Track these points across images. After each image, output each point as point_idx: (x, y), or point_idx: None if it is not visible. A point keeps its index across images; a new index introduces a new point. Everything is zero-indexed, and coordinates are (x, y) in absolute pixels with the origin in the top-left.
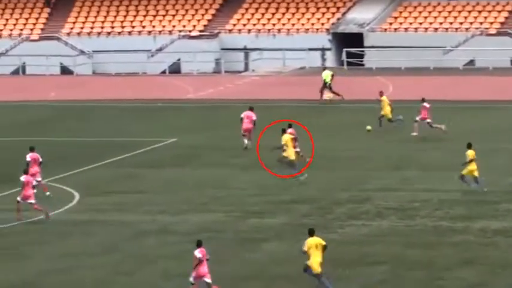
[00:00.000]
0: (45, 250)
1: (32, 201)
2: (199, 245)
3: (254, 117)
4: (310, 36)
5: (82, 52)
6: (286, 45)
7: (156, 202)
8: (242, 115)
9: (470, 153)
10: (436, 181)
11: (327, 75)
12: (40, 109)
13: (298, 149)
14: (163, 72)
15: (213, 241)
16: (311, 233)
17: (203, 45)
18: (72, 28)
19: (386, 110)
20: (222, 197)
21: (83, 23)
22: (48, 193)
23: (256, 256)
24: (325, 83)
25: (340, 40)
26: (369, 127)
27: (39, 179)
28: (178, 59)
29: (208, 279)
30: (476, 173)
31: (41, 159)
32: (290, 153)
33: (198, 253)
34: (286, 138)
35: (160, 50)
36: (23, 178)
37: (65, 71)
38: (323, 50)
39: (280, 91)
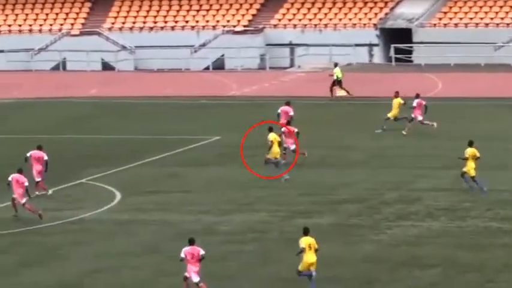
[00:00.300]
0: (86, 250)
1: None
2: (191, 243)
3: (291, 113)
4: (357, 32)
5: (123, 48)
6: (333, 41)
7: (199, 202)
8: (279, 110)
9: (469, 151)
10: (487, 181)
11: (338, 71)
12: (80, 106)
13: (293, 147)
14: (207, 68)
15: (258, 242)
16: (305, 232)
17: (248, 40)
18: (113, 23)
19: (395, 111)
20: (267, 196)
21: (125, 17)
22: (39, 192)
23: None
24: (337, 80)
25: (388, 36)
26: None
27: (39, 179)
28: (222, 55)
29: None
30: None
31: (46, 158)
32: (275, 152)
33: (182, 253)
34: (272, 137)
35: (203, 45)
36: (10, 178)
37: (106, 66)
38: (370, 45)
39: (326, 88)
